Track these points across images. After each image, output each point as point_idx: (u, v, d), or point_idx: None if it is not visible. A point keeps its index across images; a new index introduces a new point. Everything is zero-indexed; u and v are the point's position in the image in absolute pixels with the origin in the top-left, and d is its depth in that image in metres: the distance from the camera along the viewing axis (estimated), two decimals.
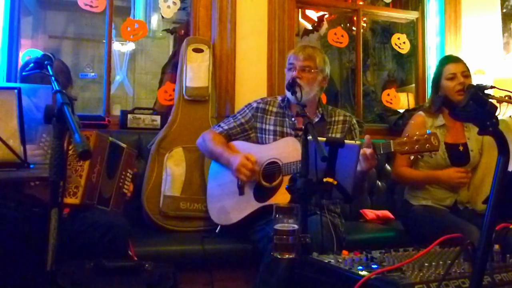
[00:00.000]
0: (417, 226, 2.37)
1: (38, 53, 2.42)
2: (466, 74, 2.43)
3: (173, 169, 2.54)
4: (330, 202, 2.20)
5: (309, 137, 1.59)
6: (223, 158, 2.24)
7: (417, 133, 1.92)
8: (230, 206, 2.25)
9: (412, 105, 4.33)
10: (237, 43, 2.98)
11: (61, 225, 1.17)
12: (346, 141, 1.62)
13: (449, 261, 1.25)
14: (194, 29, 3.02)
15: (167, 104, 2.93)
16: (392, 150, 1.94)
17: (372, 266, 1.30)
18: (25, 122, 1.54)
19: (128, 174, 2.13)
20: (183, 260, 2.06)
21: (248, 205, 2.16)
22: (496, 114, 1.08)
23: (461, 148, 2.43)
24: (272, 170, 2.16)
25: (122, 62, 7.09)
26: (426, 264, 1.27)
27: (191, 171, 2.56)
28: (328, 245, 1.79)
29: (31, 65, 1.53)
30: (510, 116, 2.70)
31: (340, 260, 1.36)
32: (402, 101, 4.41)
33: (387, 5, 3.75)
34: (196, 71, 2.76)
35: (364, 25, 5.22)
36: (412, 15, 3.79)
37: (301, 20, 5.35)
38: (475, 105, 1.05)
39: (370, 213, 2.91)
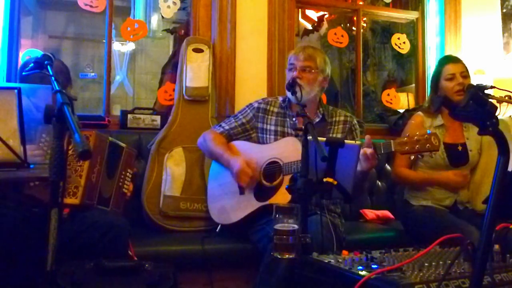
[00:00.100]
0: (417, 226, 2.37)
1: (38, 53, 2.41)
2: (465, 74, 2.43)
3: (173, 169, 2.54)
4: (330, 202, 2.20)
5: (309, 137, 1.59)
6: (223, 160, 2.25)
7: (417, 133, 1.92)
8: (230, 205, 2.25)
9: (412, 105, 4.33)
10: (237, 43, 2.98)
11: (61, 225, 1.17)
12: (346, 141, 1.63)
13: (449, 261, 1.25)
14: (194, 29, 3.02)
15: (167, 104, 2.93)
16: (393, 150, 1.94)
17: (372, 266, 1.30)
18: (25, 122, 1.54)
19: (128, 174, 2.13)
20: (183, 260, 2.06)
21: (249, 204, 2.17)
22: (496, 114, 1.08)
23: (460, 148, 2.43)
24: (273, 169, 2.16)
25: (122, 62, 7.08)
26: (426, 264, 1.27)
27: (191, 171, 2.56)
28: (328, 245, 1.79)
29: (31, 65, 1.52)
30: (510, 116, 2.70)
31: (340, 260, 1.37)
32: (402, 101, 4.40)
33: (387, 5, 3.74)
34: (196, 71, 2.76)
35: (364, 25, 5.21)
36: (412, 15, 3.79)
37: (301, 20, 5.34)
38: (475, 105, 1.05)
39: (370, 213, 2.91)
